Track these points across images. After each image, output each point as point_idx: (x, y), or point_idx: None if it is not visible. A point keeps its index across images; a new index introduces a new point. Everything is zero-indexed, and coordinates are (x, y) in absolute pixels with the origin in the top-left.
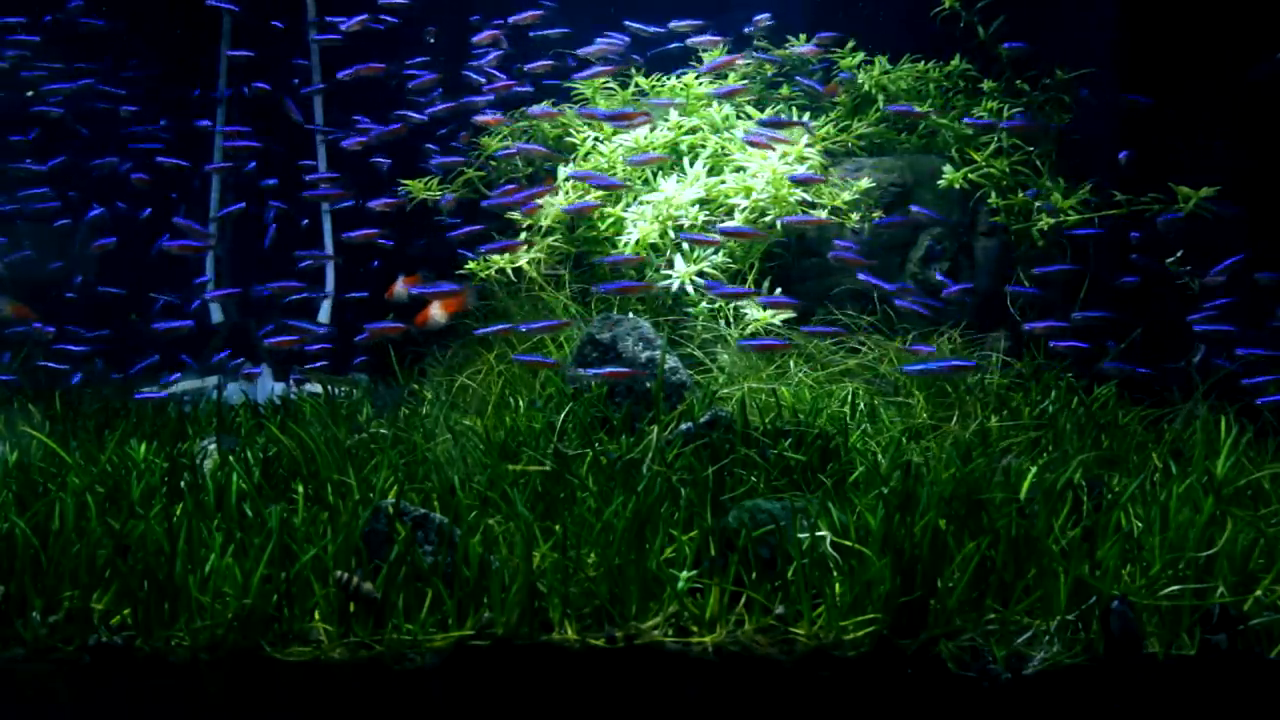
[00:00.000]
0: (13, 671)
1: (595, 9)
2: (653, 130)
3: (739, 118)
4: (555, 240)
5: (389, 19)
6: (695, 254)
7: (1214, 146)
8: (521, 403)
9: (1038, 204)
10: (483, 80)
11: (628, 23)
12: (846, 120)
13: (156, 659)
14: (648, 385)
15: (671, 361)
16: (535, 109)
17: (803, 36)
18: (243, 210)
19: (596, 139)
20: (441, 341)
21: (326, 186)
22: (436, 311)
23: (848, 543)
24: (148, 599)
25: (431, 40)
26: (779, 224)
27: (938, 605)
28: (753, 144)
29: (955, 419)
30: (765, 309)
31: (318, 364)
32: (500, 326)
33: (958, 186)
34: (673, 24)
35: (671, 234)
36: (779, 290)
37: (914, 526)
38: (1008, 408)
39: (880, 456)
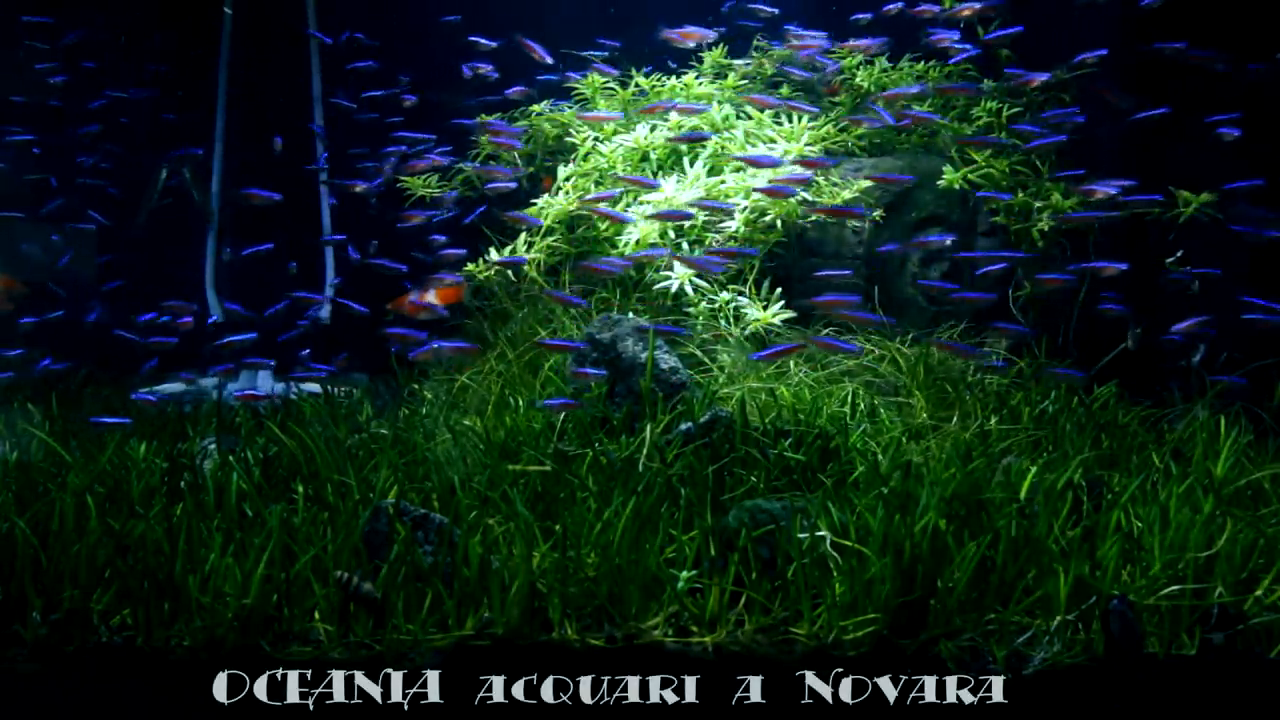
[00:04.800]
0: (13, 671)
1: (595, 8)
2: (653, 130)
3: (739, 117)
4: (555, 240)
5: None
6: (695, 255)
7: (1216, 148)
8: (521, 403)
9: (1038, 204)
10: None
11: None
12: (847, 120)
13: (156, 658)
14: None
15: (671, 361)
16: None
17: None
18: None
19: (596, 139)
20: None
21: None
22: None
23: (848, 543)
24: (148, 599)
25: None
26: (778, 223)
27: (938, 605)
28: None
29: (955, 419)
30: (765, 308)
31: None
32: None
33: (958, 187)
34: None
35: (671, 234)
36: (779, 290)
37: (914, 526)
38: (1008, 407)
39: (880, 456)
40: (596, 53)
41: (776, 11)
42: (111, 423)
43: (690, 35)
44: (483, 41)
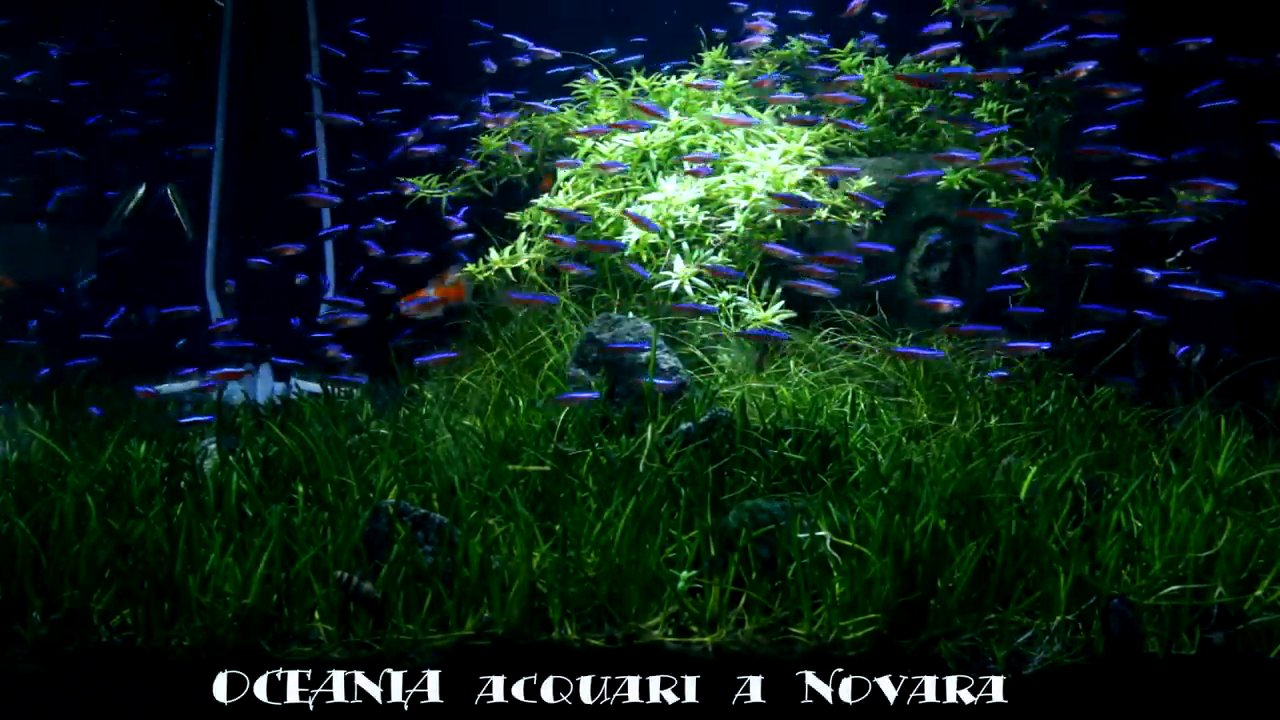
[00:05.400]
0: (13, 671)
1: (597, 8)
2: (653, 130)
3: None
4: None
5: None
6: (694, 255)
7: (1217, 147)
8: (521, 403)
9: (1038, 204)
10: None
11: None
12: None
13: (156, 658)
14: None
15: (671, 361)
16: None
17: (802, 41)
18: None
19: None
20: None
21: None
22: (433, 298)
23: (848, 543)
24: (148, 599)
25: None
26: (778, 223)
27: (938, 605)
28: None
29: (955, 419)
30: (765, 308)
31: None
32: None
33: (957, 187)
34: None
35: (671, 234)
36: (779, 290)
37: (914, 526)
38: (1008, 407)
39: (880, 456)
40: (604, 50)
41: (775, 25)
42: (197, 420)
43: (758, 28)
44: (518, 40)
